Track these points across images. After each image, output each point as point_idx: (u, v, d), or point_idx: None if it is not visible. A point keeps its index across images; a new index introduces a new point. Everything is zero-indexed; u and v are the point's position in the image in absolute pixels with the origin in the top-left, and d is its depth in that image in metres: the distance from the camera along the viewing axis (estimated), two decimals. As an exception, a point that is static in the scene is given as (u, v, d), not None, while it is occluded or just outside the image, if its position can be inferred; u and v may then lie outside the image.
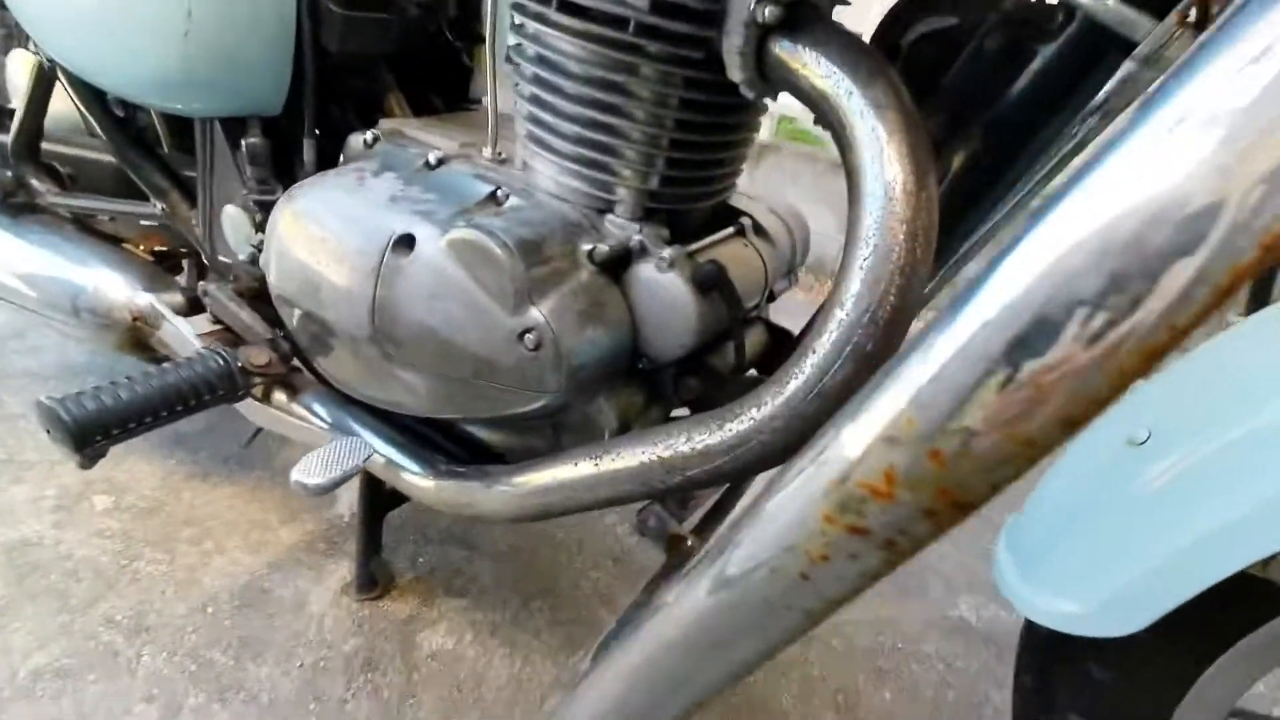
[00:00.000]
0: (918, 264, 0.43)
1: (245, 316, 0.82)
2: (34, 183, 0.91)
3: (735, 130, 0.68)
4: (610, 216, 0.67)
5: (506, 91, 0.70)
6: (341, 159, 0.78)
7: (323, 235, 0.66)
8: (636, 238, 0.65)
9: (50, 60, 0.83)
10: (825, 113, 0.49)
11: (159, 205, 0.87)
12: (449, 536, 1.25)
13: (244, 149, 0.75)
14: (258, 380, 0.78)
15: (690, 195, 0.69)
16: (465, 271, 0.61)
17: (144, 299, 0.84)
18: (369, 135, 0.76)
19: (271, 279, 0.73)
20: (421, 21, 0.83)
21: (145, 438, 1.38)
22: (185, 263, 1.08)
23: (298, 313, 0.72)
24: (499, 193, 0.68)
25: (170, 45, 0.67)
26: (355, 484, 1.36)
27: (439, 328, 0.62)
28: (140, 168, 0.86)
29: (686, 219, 0.71)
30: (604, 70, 0.60)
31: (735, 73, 0.56)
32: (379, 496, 1.09)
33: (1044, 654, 0.61)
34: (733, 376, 0.68)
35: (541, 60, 0.64)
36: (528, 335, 0.60)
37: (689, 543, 0.69)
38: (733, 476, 0.51)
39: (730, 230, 0.73)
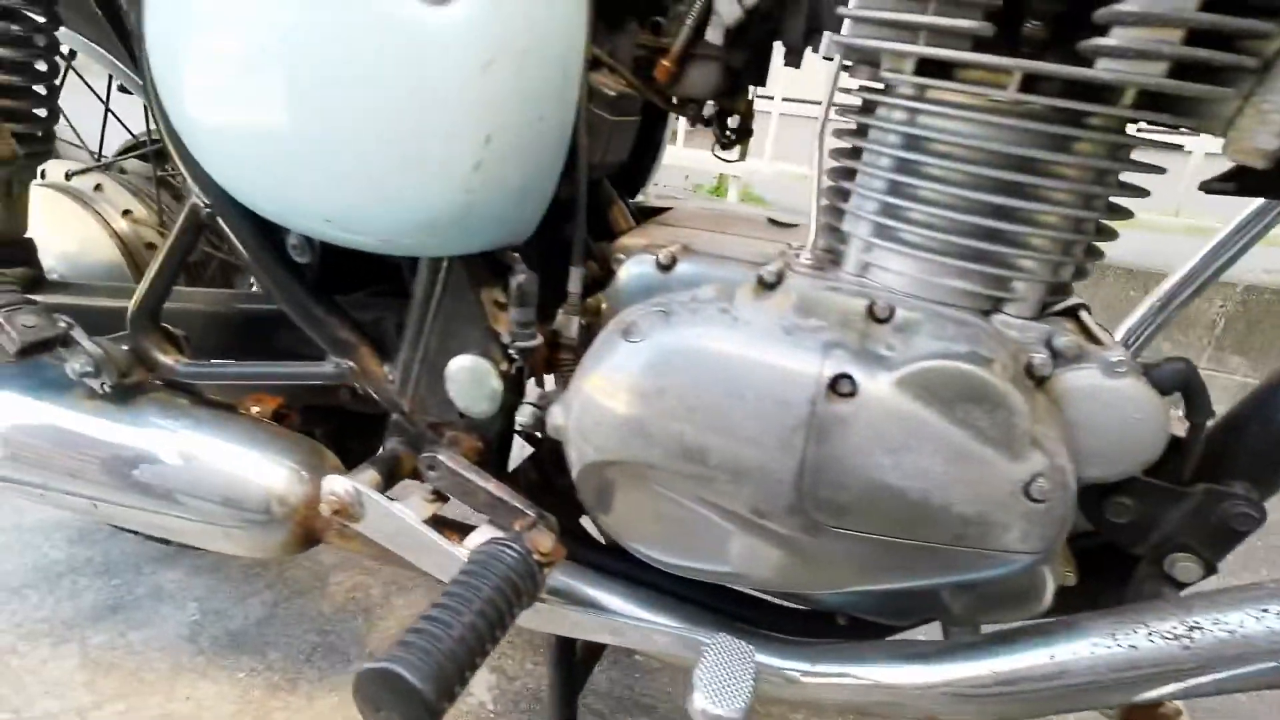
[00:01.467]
0: None
1: (495, 490, 0.64)
2: (155, 355, 0.70)
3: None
4: (1000, 317, 0.57)
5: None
6: (611, 289, 0.65)
7: (712, 385, 0.51)
8: (1065, 340, 0.54)
9: (210, 203, 0.65)
10: None
11: (346, 363, 0.69)
12: (614, 702, 1.03)
13: (513, 289, 0.60)
14: (547, 573, 0.60)
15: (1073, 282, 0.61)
16: (946, 414, 0.48)
17: (340, 484, 0.64)
18: (662, 255, 0.63)
19: (582, 442, 0.57)
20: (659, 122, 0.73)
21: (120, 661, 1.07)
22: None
23: (627, 484, 0.56)
24: (876, 306, 0.56)
25: (455, 179, 0.52)
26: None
27: (908, 486, 0.49)
28: (323, 323, 0.68)
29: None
30: (1033, 148, 0.50)
31: (1264, 139, 0.44)
32: (572, 664, 0.87)
33: None
34: (1174, 488, 0.58)
35: (915, 144, 0.54)
36: (1036, 484, 0.48)
37: (1162, 708, 0.57)
38: None
39: (1087, 318, 0.65)
